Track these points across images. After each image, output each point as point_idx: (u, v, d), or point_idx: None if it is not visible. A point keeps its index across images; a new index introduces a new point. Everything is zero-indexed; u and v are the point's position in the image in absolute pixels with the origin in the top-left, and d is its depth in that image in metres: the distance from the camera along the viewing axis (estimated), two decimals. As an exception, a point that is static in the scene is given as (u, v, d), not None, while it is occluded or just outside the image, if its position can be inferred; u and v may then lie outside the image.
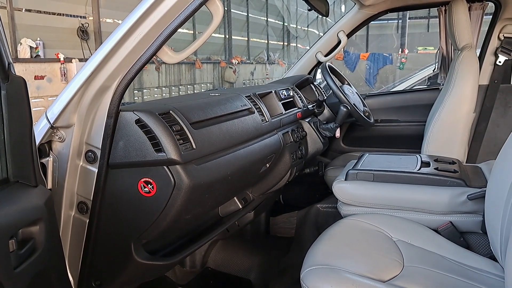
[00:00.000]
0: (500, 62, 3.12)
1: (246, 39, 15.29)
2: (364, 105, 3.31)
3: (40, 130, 1.61)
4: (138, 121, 1.59)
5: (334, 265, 1.65)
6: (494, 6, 3.15)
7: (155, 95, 10.26)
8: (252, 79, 14.87)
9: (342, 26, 3.49)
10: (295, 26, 18.38)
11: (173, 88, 11.00)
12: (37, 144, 1.61)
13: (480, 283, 1.61)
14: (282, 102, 2.64)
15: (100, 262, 1.79)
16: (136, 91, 9.60)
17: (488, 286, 1.59)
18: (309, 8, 2.65)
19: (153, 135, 1.58)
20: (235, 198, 2.39)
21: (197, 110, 1.82)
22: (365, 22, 3.49)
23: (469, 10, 3.08)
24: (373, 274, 1.61)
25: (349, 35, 3.53)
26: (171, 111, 1.69)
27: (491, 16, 3.20)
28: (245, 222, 2.68)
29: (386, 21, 16.36)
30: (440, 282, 1.60)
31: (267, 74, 15.79)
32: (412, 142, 3.33)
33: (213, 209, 2.22)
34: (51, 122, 1.59)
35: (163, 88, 10.62)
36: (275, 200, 3.28)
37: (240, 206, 2.40)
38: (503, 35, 3.10)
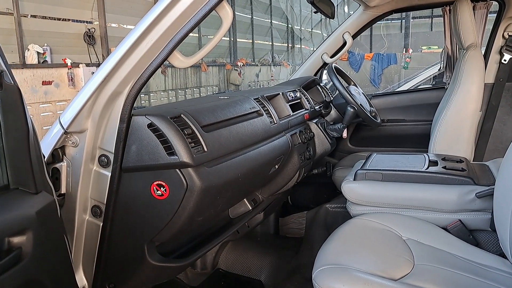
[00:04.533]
0: (505, 60, 3.13)
1: (251, 41, 15.31)
2: (370, 105, 3.33)
3: (53, 135, 1.64)
4: (150, 125, 1.61)
5: (345, 264, 1.68)
6: (498, 5, 3.16)
7: (162, 99, 10.30)
8: (258, 81, 14.89)
9: (347, 27, 3.51)
10: (299, 27, 18.39)
11: (180, 91, 11.03)
12: (51, 149, 1.65)
13: (490, 280, 1.62)
14: (289, 103, 2.66)
15: (114, 265, 1.81)
16: (143, 95, 9.63)
17: (497, 283, 1.61)
18: (315, 10, 2.67)
19: (165, 139, 1.61)
20: (245, 199, 2.42)
21: (207, 113, 1.84)
22: (370, 23, 3.50)
23: (473, 9, 3.10)
24: (384, 272, 1.63)
25: (354, 36, 3.55)
26: (182, 115, 1.71)
27: (495, 15, 3.21)
28: (255, 223, 2.70)
29: (390, 21, 16.36)
30: (450, 280, 1.62)
31: (272, 76, 15.81)
32: (419, 141, 3.35)
33: (224, 211, 2.24)
34: (65, 127, 1.62)
35: (170, 92, 10.65)
36: (283, 201, 3.30)
37: (250, 208, 2.42)
38: (508, 33, 3.11)
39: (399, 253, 1.78)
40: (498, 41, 3.16)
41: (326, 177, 3.22)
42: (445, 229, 2.04)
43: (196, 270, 2.73)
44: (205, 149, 1.69)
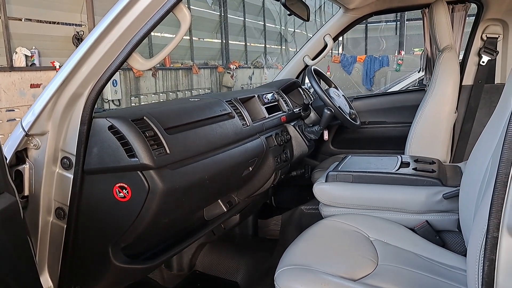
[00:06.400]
0: (483, 62, 3.14)
1: (244, 43, 15.31)
2: (350, 108, 3.34)
3: (15, 138, 1.64)
4: (111, 127, 1.61)
5: (308, 265, 1.68)
6: (476, 7, 3.17)
7: (153, 101, 10.28)
8: (251, 83, 14.88)
9: (328, 29, 3.52)
10: (293, 29, 18.42)
11: (171, 94, 11.02)
12: (13, 151, 1.65)
13: (449, 279, 1.63)
14: (266, 106, 2.66)
15: (79, 267, 1.81)
16: (133, 97, 9.61)
17: (456, 282, 1.62)
18: (289, 13, 2.66)
19: (126, 141, 1.60)
20: (219, 201, 2.42)
21: (172, 115, 1.85)
22: (351, 25, 3.51)
23: (452, 11, 3.12)
24: (346, 273, 1.64)
25: (335, 38, 3.56)
26: (145, 117, 1.71)
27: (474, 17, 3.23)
28: (231, 225, 2.70)
29: (385, 23, 16.41)
30: (410, 280, 1.62)
31: (265, 79, 15.80)
32: (399, 143, 3.35)
33: (193, 213, 2.24)
34: (26, 129, 1.62)
35: (161, 94, 10.64)
36: (264, 203, 3.30)
37: (225, 209, 2.42)
38: (486, 35, 3.12)
39: (364, 253, 1.79)
40: (477, 43, 3.18)
41: (307, 179, 3.22)
42: (412, 230, 2.05)
43: (173, 271, 2.73)
44: (168, 151, 1.69)
